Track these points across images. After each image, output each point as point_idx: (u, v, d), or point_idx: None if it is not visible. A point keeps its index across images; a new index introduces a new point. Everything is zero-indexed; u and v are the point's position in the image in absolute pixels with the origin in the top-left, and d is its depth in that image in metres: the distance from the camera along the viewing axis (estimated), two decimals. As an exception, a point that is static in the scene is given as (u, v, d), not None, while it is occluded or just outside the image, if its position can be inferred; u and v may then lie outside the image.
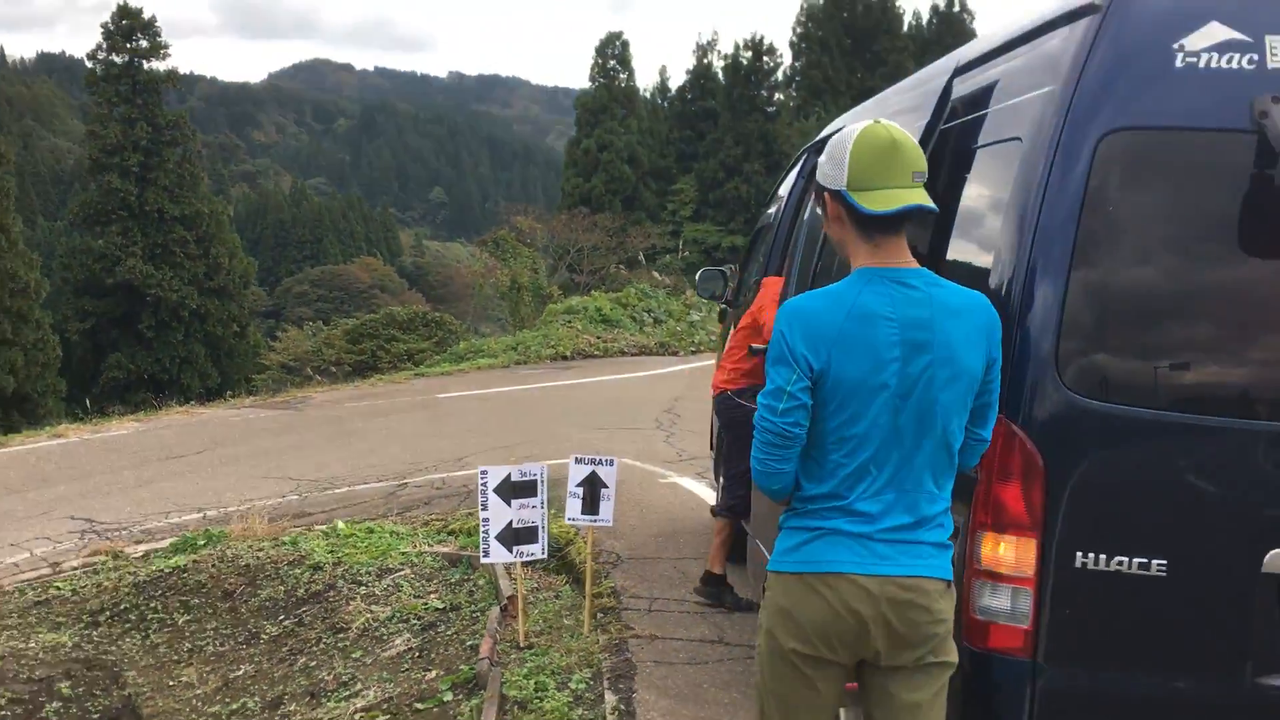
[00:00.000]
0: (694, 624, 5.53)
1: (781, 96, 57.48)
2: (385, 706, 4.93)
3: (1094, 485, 2.63)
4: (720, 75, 56.40)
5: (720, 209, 52.20)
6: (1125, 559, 2.60)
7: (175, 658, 6.44)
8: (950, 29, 53.62)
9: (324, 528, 8.05)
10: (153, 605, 7.00)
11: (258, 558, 7.37)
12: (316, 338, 38.83)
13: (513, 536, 5.30)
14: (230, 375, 41.71)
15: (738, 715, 4.40)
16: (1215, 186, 2.64)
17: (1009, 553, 2.65)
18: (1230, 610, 2.62)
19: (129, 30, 43.66)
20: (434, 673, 5.23)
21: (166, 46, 44.43)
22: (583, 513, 5.37)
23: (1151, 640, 2.65)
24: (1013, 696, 2.69)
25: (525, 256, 35.62)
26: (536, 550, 5.38)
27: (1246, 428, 2.60)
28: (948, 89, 3.41)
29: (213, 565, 7.36)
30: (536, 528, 5.33)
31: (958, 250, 3.13)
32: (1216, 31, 2.64)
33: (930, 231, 3.27)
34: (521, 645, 5.32)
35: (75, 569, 7.80)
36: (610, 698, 4.55)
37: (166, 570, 7.39)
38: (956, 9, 56.49)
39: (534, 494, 5.31)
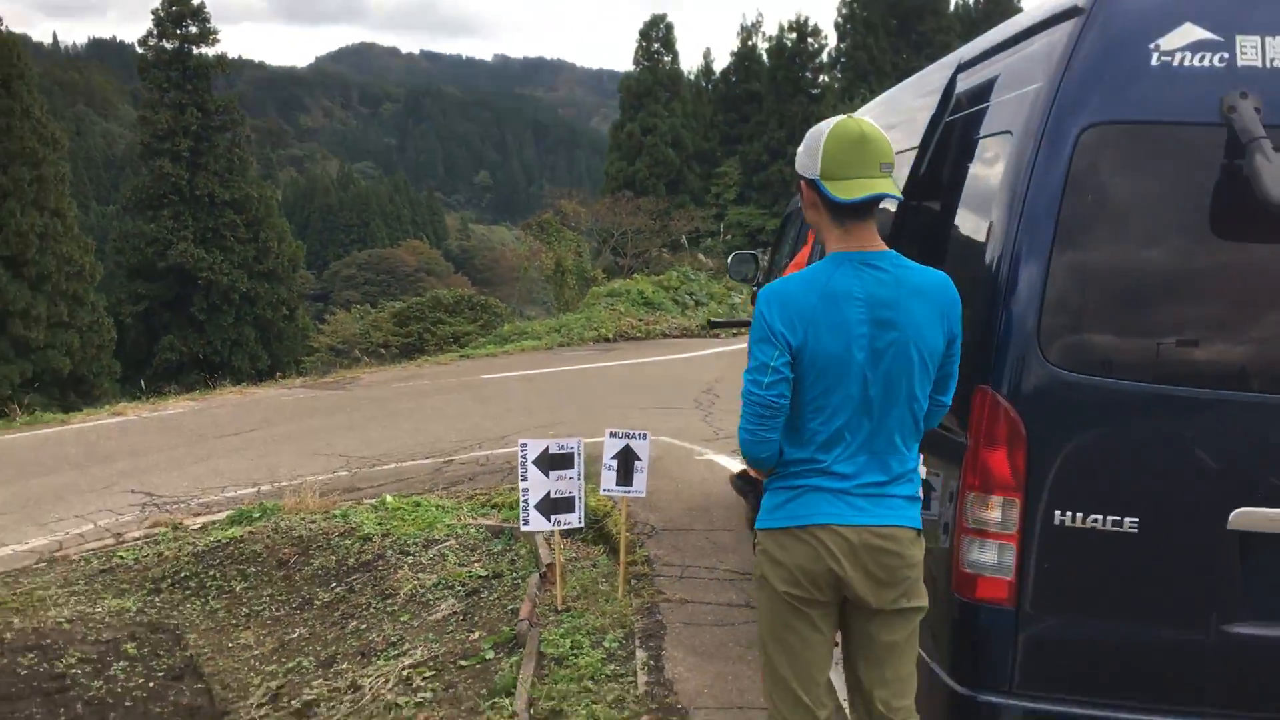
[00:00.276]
0: (723, 590, 5.80)
1: (826, 79, 57.03)
2: (431, 664, 5.24)
3: (1072, 450, 2.87)
4: (764, 57, 56.07)
5: (764, 192, 52.10)
6: (1100, 517, 2.84)
7: (233, 622, 6.76)
8: (998, 8, 52.97)
9: (373, 501, 8.34)
10: (211, 573, 7.33)
11: (310, 529, 7.69)
12: (364, 320, 39.36)
13: (551, 506, 5.59)
14: (280, 357, 42.23)
15: (757, 669, 4.67)
16: (1187, 176, 2.86)
17: (995, 512, 2.90)
18: (1197, 564, 2.86)
19: (179, 16, 44.19)
20: (477, 634, 5.54)
21: (216, 32, 44.92)
22: (617, 484, 5.64)
23: (1125, 591, 2.89)
24: (998, 642, 2.94)
25: (569, 240, 35.89)
26: (573, 519, 5.67)
27: (1213, 397, 2.83)
28: (952, 83, 3.64)
29: (267, 536, 7.68)
30: (573, 498, 5.61)
31: (960, 232, 3.36)
32: (1190, 32, 2.85)
33: (939, 214, 3.51)
34: (559, 609, 5.61)
35: (137, 539, 8.18)
36: (640, 654, 4.84)
37: (224, 541, 7.72)
38: (1004, -11, 55.90)
39: (571, 466, 5.59)
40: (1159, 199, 2.89)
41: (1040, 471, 2.86)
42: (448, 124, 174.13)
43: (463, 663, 5.13)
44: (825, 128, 2.73)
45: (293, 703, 5.38)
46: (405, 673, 5.21)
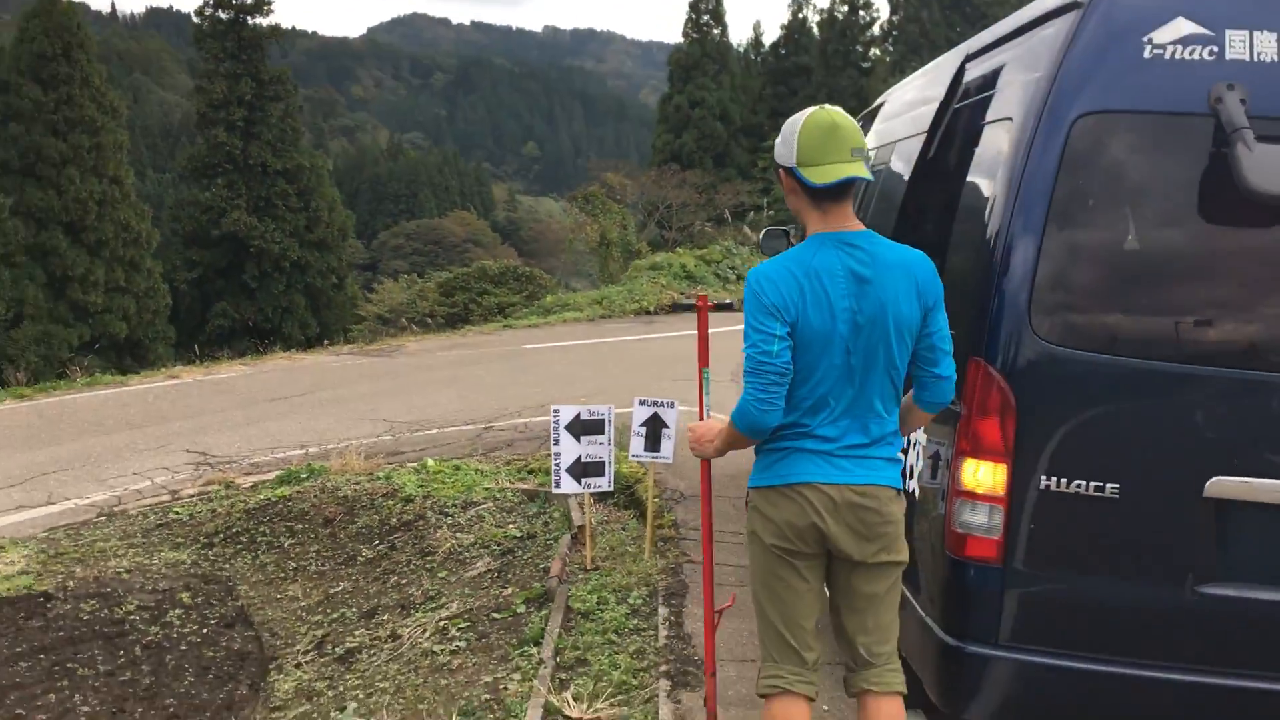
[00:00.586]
0: (744, 554, 6.01)
1: (878, 52, 56.43)
2: (466, 616, 5.52)
3: (1058, 420, 3.06)
4: (815, 30, 55.64)
5: (812, 166, 51.75)
6: (1083, 483, 3.04)
7: (282, 575, 7.08)
8: (1052, -18, 52.15)
9: (415, 465, 8.62)
10: (261, 530, 7.65)
11: (355, 490, 7.98)
12: (411, 290, 39.74)
13: (581, 470, 5.83)
14: (329, 325, 42.62)
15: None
16: (1175, 163, 3.03)
17: (985, 476, 3.10)
18: (1175, 529, 3.04)
19: (234, -14, 44.61)
20: (510, 589, 5.81)
21: (270, 2, 45.14)
22: (645, 450, 5.86)
23: (1106, 553, 3.08)
24: (985, 598, 3.15)
25: (615, 213, 36.01)
26: (603, 483, 5.91)
27: (1193, 373, 3.00)
28: (960, 73, 3.82)
29: (314, 496, 7.99)
30: (603, 462, 5.85)
31: (964, 213, 3.54)
32: (1182, 26, 3.02)
33: (946, 196, 3.70)
34: (588, 568, 5.87)
35: (192, 496, 8.54)
36: (662, 610, 5.09)
37: (273, 499, 8.04)
38: (1059, -39, 54.92)
39: (601, 432, 5.83)
40: (1148, 185, 3.06)
41: (1028, 439, 3.06)
42: (497, 95, 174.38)
43: (495, 615, 5.40)
44: (800, 119, 2.92)
45: (336, 649, 5.69)
46: (442, 624, 5.49)
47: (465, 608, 5.68)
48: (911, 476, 3.63)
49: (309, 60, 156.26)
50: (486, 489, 7.80)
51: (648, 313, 19.94)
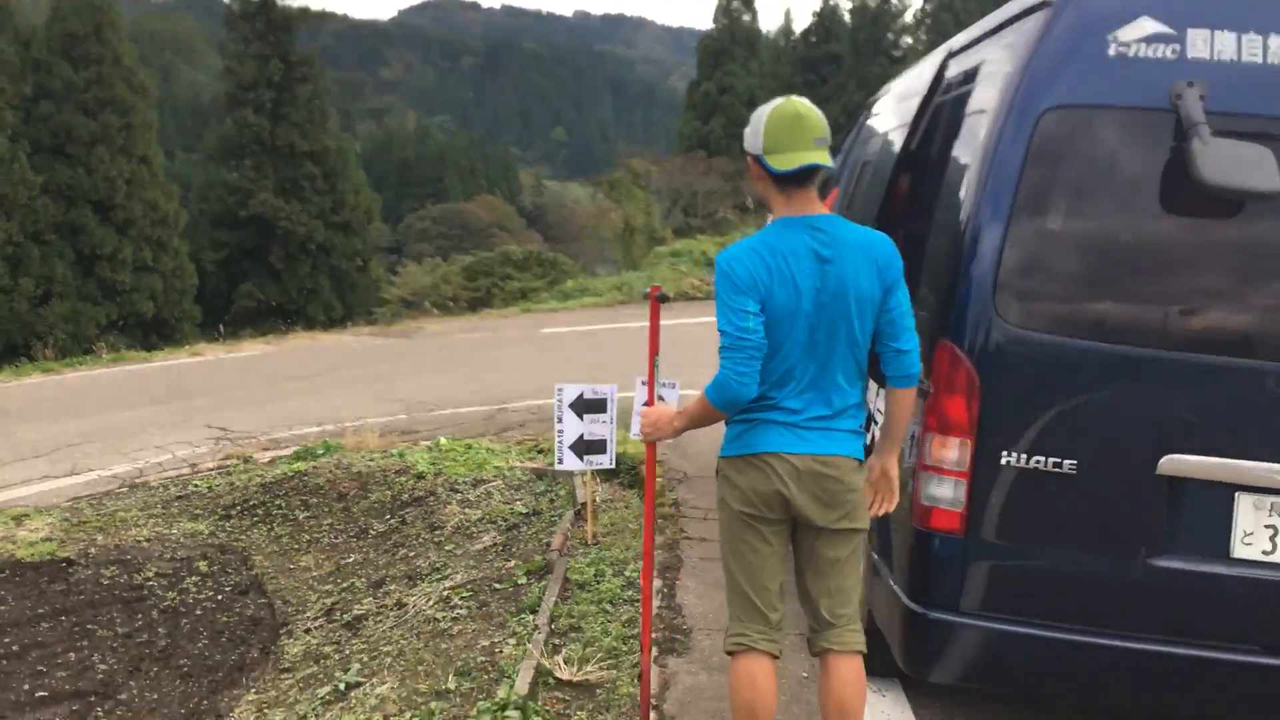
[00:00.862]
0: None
1: (910, 40, 56.18)
2: (469, 586, 5.71)
3: (1020, 399, 3.21)
4: (847, 17, 55.48)
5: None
6: (1042, 459, 3.19)
7: (295, 547, 7.29)
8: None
9: (428, 443, 8.81)
10: (277, 503, 7.85)
11: (369, 466, 8.19)
12: (435, 273, 40.04)
13: (584, 447, 5.99)
14: (353, 307, 42.93)
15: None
16: (1136, 155, 3.16)
17: (950, 451, 3.26)
18: (1129, 504, 3.19)
19: (265, -32, 44.85)
20: (513, 562, 6.00)
21: (300, -16, 45.50)
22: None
23: (1063, 525, 3.23)
24: (949, 567, 3.31)
25: (639, 199, 36.17)
26: (604, 460, 6.07)
27: (1149, 356, 3.15)
28: (942, 69, 3.97)
29: (329, 471, 8.19)
30: (605, 440, 6.00)
31: (941, 202, 3.69)
32: (1146, 25, 3.15)
33: (926, 186, 3.85)
34: (589, 543, 6.05)
35: (211, 470, 8.78)
36: (656, 583, 5.27)
37: (289, 474, 8.25)
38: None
39: (604, 410, 5.98)
40: (1110, 176, 3.19)
41: (990, 417, 3.21)
42: (525, 79, 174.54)
43: (497, 586, 5.59)
44: (767, 109, 3.07)
45: (344, 616, 5.89)
46: (445, 593, 5.68)
47: (469, 579, 5.86)
48: None
49: (338, 42, 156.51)
50: (496, 467, 7.98)
51: (667, 299, 20.04)
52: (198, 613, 6.19)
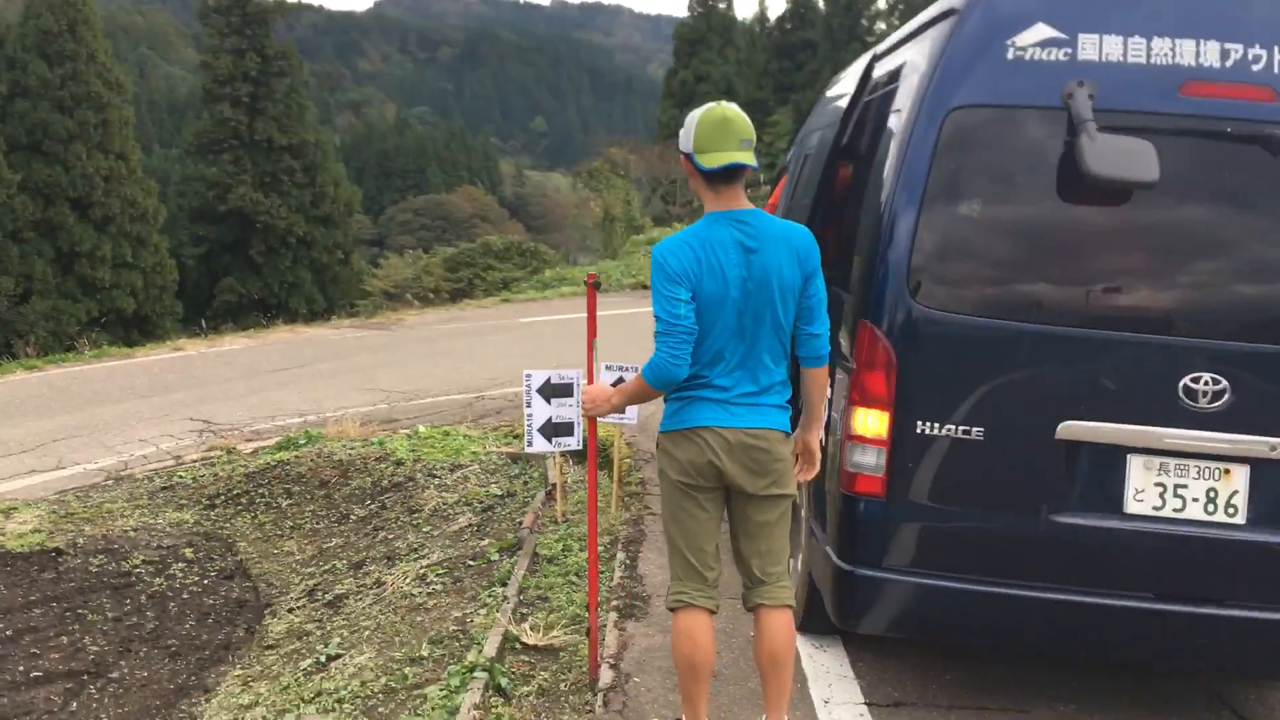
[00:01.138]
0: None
1: (884, 26, 56.52)
2: (444, 564, 6.00)
3: (932, 373, 3.53)
4: (821, 4, 55.72)
5: (815, 140, 51.85)
6: (953, 427, 3.50)
7: (279, 533, 7.55)
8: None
9: (407, 431, 9.09)
10: (260, 492, 8.12)
11: (349, 454, 8.45)
12: (416, 265, 40.19)
13: (552, 430, 6.25)
14: (335, 300, 43.09)
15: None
16: (1033, 150, 3.48)
17: (871, 422, 3.57)
18: (1031, 466, 3.51)
19: (239, -39, 44.74)
20: (487, 541, 6.28)
21: (273, -24, 45.35)
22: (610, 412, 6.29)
23: (974, 487, 3.55)
24: (873, 528, 3.63)
25: (618, 188, 36.36)
26: (572, 442, 6.32)
27: (1046, 332, 3.46)
28: (869, 70, 4.28)
29: (311, 460, 8.45)
30: (572, 423, 6.27)
31: (865, 193, 3.99)
32: (1041, 31, 3.46)
33: (853, 179, 4.16)
34: (559, 520, 6.35)
35: (195, 461, 9.02)
36: (620, 556, 5.59)
37: (272, 463, 8.51)
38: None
39: (570, 395, 6.25)
40: (1012, 169, 3.50)
41: (906, 390, 3.52)
42: (504, 69, 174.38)
43: (470, 562, 5.89)
44: (698, 113, 3.35)
45: (325, 596, 6.18)
46: (422, 571, 5.97)
47: (445, 557, 6.15)
48: None
49: (315, 35, 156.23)
50: (473, 452, 8.26)
51: (643, 287, 20.38)
52: (185, 597, 6.45)
